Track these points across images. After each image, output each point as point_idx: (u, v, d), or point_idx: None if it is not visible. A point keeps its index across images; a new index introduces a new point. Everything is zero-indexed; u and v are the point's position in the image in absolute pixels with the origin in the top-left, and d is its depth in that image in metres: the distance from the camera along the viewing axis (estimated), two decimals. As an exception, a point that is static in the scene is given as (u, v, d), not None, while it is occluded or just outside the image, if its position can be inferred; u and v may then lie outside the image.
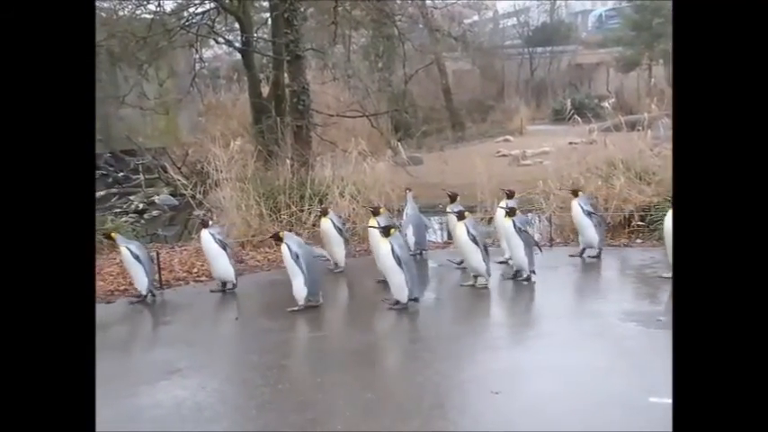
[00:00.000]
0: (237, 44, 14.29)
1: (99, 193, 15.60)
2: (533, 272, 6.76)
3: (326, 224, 7.49)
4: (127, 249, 6.73)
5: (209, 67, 22.13)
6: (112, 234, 7.07)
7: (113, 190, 16.99)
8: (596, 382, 4.39)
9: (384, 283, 6.35)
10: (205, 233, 7.02)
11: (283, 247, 6.24)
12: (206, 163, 10.91)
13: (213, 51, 22.27)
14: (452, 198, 7.54)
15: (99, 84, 11.65)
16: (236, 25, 14.22)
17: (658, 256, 7.35)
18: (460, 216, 6.62)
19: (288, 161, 10.17)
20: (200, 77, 17.02)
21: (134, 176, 17.51)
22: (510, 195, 7.62)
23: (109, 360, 4.94)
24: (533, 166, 14.36)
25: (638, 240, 8.61)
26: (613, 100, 18.19)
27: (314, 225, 8.72)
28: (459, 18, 21.49)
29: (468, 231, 6.48)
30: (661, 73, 26.12)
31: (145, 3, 13.16)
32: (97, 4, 12.60)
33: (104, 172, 18.19)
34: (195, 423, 4.07)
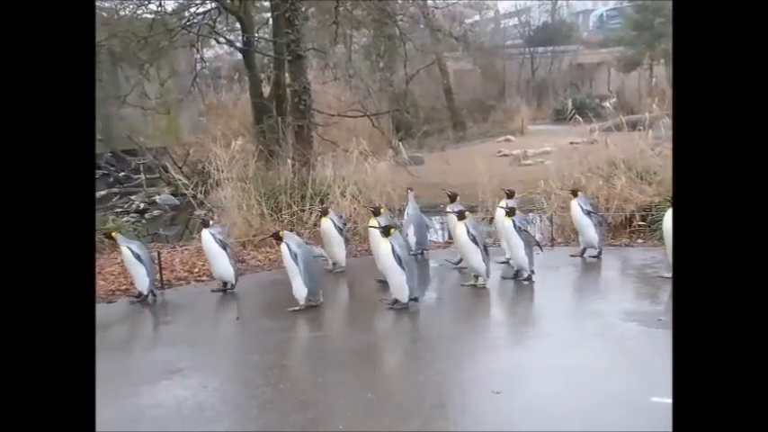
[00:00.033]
0: (239, 44, 14.31)
1: (100, 193, 15.63)
2: (533, 272, 6.76)
3: (327, 224, 7.50)
4: (128, 249, 6.73)
5: (211, 67, 22.14)
6: (113, 234, 7.06)
7: (114, 190, 17.02)
8: (597, 381, 4.39)
9: (384, 283, 6.35)
10: (205, 233, 7.03)
11: (283, 247, 6.25)
12: (207, 163, 10.93)
13: (214, 51, 22.28)
14: (452, 198, 7.54)
15: (100, 83, 11.68)
16: (238, 25, 14.23)
17: (659, 256, 7.34)
18: (461, 216, 6.62)
19: (289, 161, 10.17)
20: (202, 77, 17.03)
21: (135, 176, 17.52)
22: (510, 195, 7.62)
23: (110, 360, 4.95)
24: (534, 165, 14.36)
25: (640, 240, 8.60)
26: (614, 100, 18.23)
27: (315, 225, 8.71)
28: (460, 18, 21.47)
29: (468, 231, 6.48)
30: (662, 73, 26.08)
31: (146, 2, 13.19)
32: (98, 3, 12.63)
33: (105, 171, 18.21)
34: (196, 423, 4.07)
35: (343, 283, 7.45)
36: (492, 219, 8.44)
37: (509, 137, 21.14)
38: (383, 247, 6.07)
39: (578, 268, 7.46)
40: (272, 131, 11.53)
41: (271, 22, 14.65)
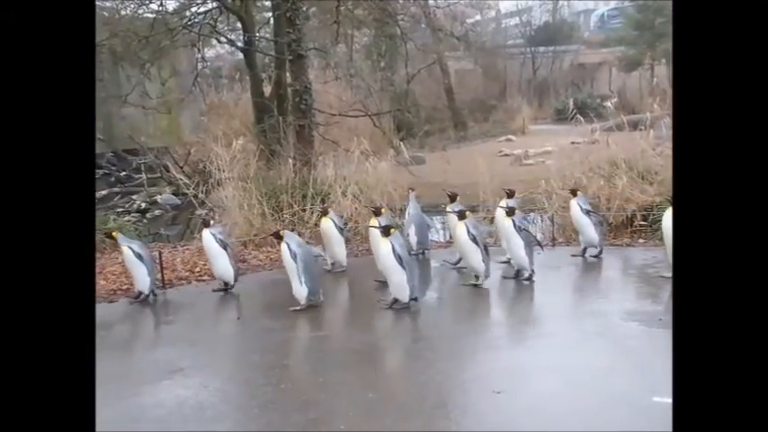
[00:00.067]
0: (240, 43, 14.32)
1: (101, 193, 15.65)
2: (533, 271, 6.76)
3: (327, 224, 7.50)
4: (129, 249, 6.73)
5: (212, 67, 22.16)
6: (114, 233, 7.07)
7: (116, 189, 17.03)
8: (598, 381, 4.39)
9: (383, 284, 6.35)
10: (206, 233, 7.03)
11: (283, 246, 6.25)
12: (208, 162, 10.94)
13: (215, 51, 22.31)
14: (452, 198, 7.54)
15: (101, 83, 11.71)
16: (239, 25, 14.23)
17: (660, 256, 7.33)
18: (461, 216, 6.62)
19: (290, 160, 10.17)
20: (203, 77, 17.00)
21: (136, 176, 17.52)
22: (510, 195, 7.62)
23: (111, 359, 4.96)
24: (536, 165, 14.36)
25: (641, 240, 8.60)
26: (616, 99, 18.22)
27: (316, 224, 8.70)
28: (461, 18, 21.52)
29: (469, 231, 6.48)
30: (663, 72, 26.07)
31: (147, 2, 13.21)
32: (99, 3, 12.65)
33: (107, 171, 18.24)
34: (197, 423, 4.07)
35: (344, 283, 7.45)
36: (493, 218, 8.44)
37: (510, 137, 21.15)
38: (383, 247, 6.07)
39: (579, 268, 7.46)
40: (274, 131, 11.54)
41: (272, 21, 14.65)
